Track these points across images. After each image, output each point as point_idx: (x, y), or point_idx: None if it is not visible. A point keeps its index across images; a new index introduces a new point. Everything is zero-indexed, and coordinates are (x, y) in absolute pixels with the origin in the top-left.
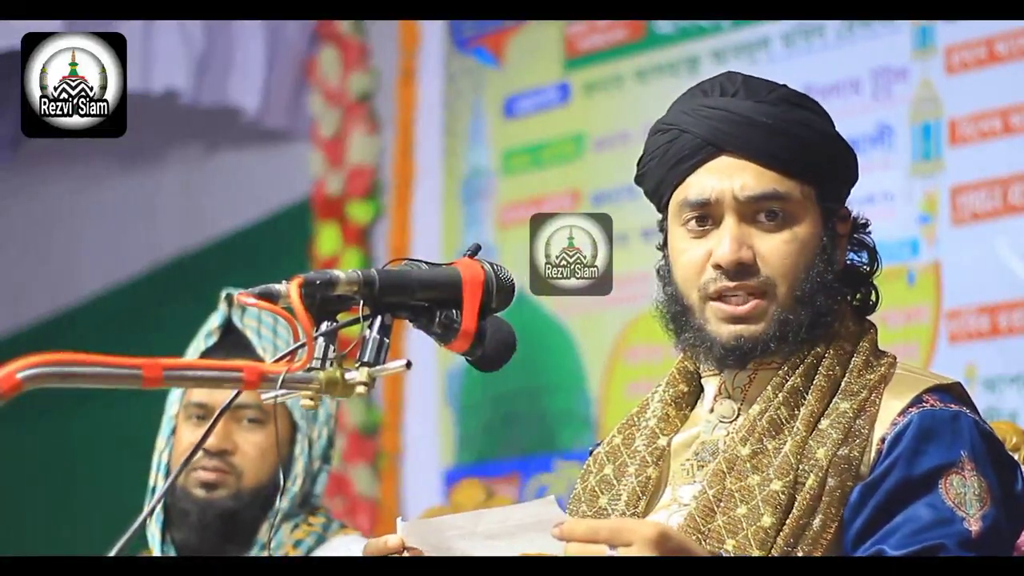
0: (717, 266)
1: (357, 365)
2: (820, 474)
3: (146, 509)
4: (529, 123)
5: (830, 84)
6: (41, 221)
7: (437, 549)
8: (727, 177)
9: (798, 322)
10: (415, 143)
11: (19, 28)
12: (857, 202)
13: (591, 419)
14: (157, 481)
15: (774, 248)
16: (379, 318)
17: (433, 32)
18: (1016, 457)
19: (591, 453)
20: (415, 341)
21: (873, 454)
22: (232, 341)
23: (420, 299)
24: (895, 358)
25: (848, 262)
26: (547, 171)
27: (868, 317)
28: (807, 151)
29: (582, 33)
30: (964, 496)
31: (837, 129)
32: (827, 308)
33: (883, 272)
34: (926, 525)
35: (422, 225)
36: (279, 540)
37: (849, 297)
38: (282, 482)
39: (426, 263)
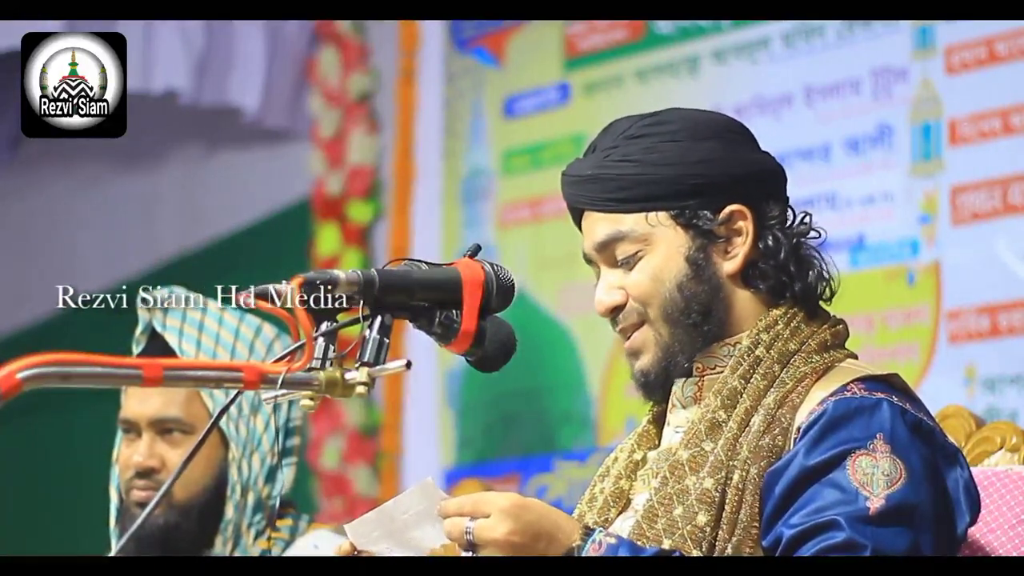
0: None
1: (357, 365)
2: (745, 466)
3: (141, 515)
4: (529, 123)
5: (830, 84)
6: (41, 221)
7: (376, 543)
8: (587, 232)
9: (679, 340)
10: (415, 143)
11: (19, 28)
12: (857, 202)
13: (591, 419)
14: (112, 492)
15: (633, 283)
16: (379, 318)
17: (433, 32)
18: (1015, 457)
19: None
20: (415, 341)
21: (791, 443)
22: (158, 345)
23: (420, 299)
24: (848, 355)
25: (809, 255)
26: (547, 171)
27: (841, 316)
28: (635, 181)
29: (582, 33)
30: (872, 476)
31: (714, 136)
32: (715, 315)
33: (883, 272)
34: (828, 504)
35: (422, 225)
36: (243, 550)
37: (797, 287)
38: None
39: (426, 263)
